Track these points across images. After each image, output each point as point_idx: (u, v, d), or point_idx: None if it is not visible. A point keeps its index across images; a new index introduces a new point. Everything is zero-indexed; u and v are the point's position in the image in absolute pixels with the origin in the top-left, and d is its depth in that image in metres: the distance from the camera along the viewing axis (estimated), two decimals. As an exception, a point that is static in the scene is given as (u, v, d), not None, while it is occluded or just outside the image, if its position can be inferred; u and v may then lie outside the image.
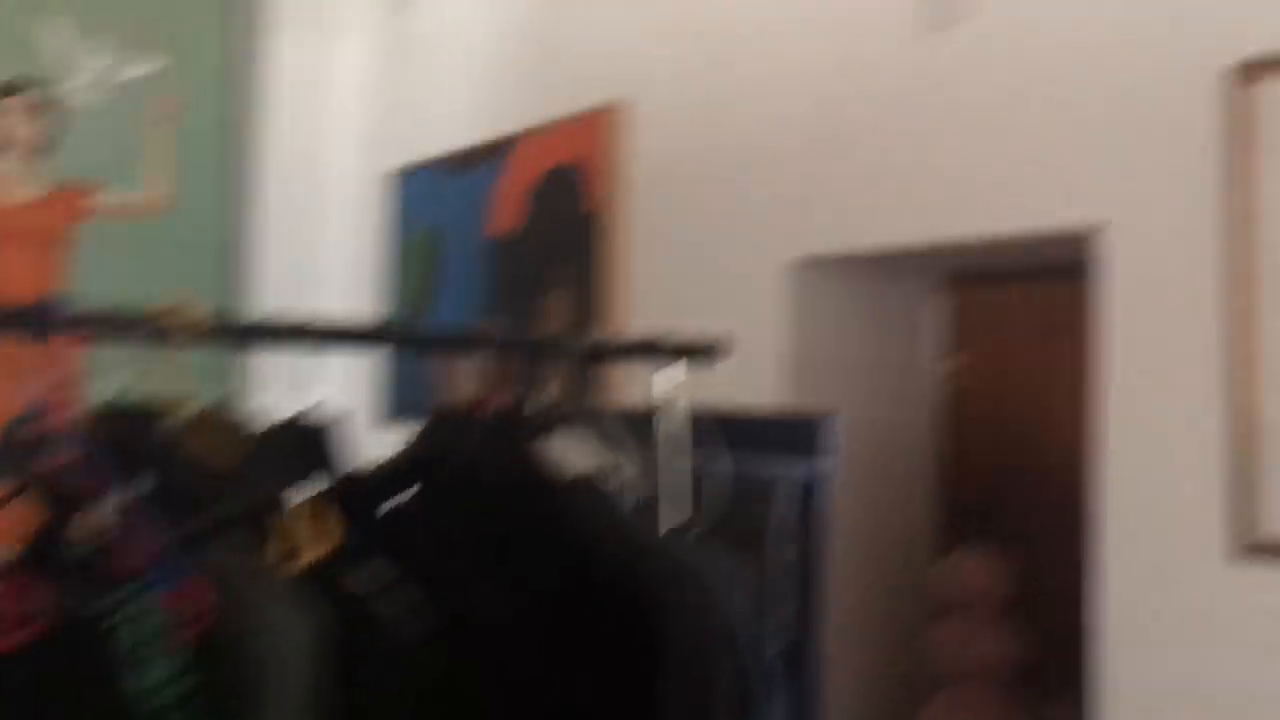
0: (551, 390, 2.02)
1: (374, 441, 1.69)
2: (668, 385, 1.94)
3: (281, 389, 3.91)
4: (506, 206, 3.82)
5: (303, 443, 1.59)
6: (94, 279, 3.88)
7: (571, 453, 1.79)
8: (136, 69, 4.31)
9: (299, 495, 1.41)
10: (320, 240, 4.63)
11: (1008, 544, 2.78)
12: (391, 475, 1.59)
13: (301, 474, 1.51)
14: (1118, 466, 2.22)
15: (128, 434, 1.43)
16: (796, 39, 2.94)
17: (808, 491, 1.96)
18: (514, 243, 3.78)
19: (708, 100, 3.17)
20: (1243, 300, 2.02)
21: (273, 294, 4.44)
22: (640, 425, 1.96)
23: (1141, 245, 2.20)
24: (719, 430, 2.03)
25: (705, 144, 3.17)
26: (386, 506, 1.59)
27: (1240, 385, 2.02)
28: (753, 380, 2.90)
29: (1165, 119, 2.17)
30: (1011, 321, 3.05)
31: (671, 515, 1.87)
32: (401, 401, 4.14)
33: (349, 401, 4.33)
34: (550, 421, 1.82)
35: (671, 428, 1.89)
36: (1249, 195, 2.03)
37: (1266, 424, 1.99)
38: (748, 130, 3.05)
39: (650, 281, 3.30)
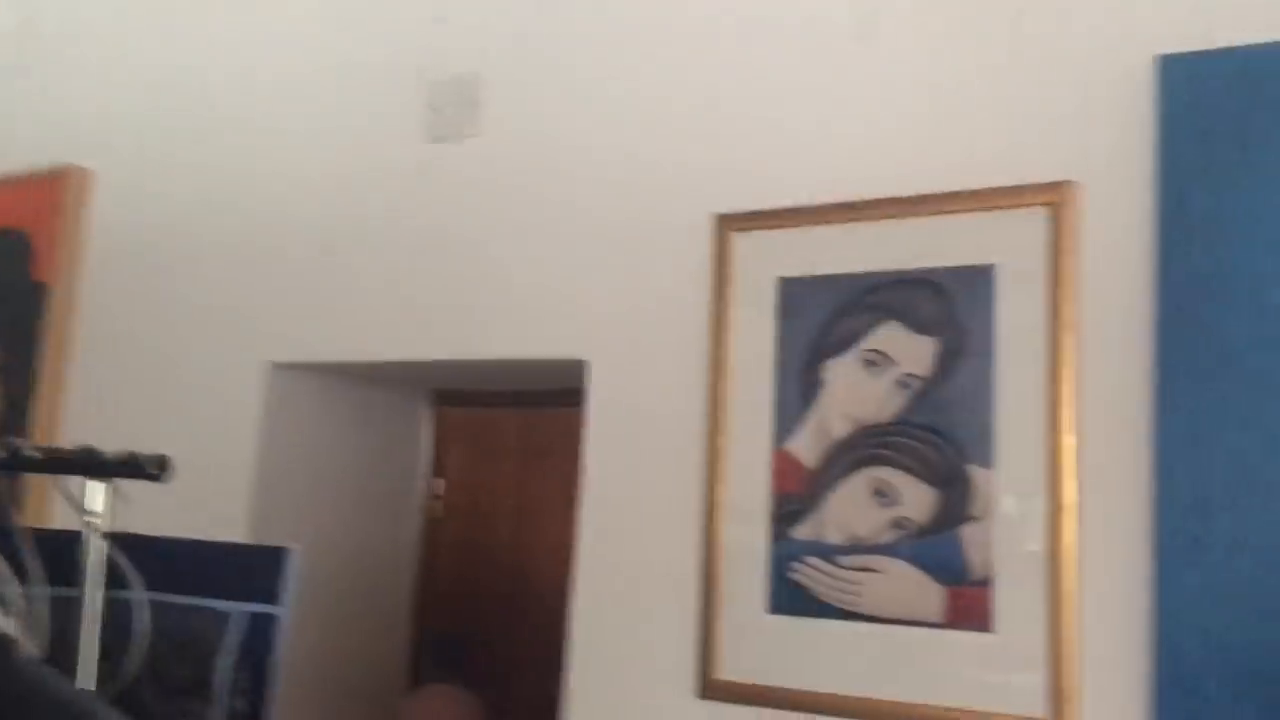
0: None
1: None
2: (96, 505, 1.62)
3: None
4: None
5: None
6: None
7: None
8: None
9: None
10: None
11: (484, 678, 2.67)
12: None
13: None
14: (595, 599, 2.19)
15: None
16: (296, 134, 2.74)
17: (259, 634, 1.71)
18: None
19: (191, 184, 2.87)
20: (717, 442, 2.08)
21: None
22: (57, 553, 1.62)
23: (629, 382, 2.21)
24: (158, 562, 1.73)
25: (183, 229, 2.85)
26: None
27: (711, 525, 2.07)
28: (216, 496, 2.59)
29: (658, 263, 2.22)
30: (499, 444, 3.00)
31: (90, 665, 1.54)
32: None
33: None
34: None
35: (96, 558, 1.57)
36: (722, 343, 2.10)
37: (725, 565, 2.04)
38: (235, 221, 2.78)
39: (103, 373, 2.89)
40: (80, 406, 2.89)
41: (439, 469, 3.05)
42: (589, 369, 2.26)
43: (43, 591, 1.41)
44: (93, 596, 1.53)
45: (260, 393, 2.69)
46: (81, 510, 1.57)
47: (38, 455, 1.59)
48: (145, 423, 2.75)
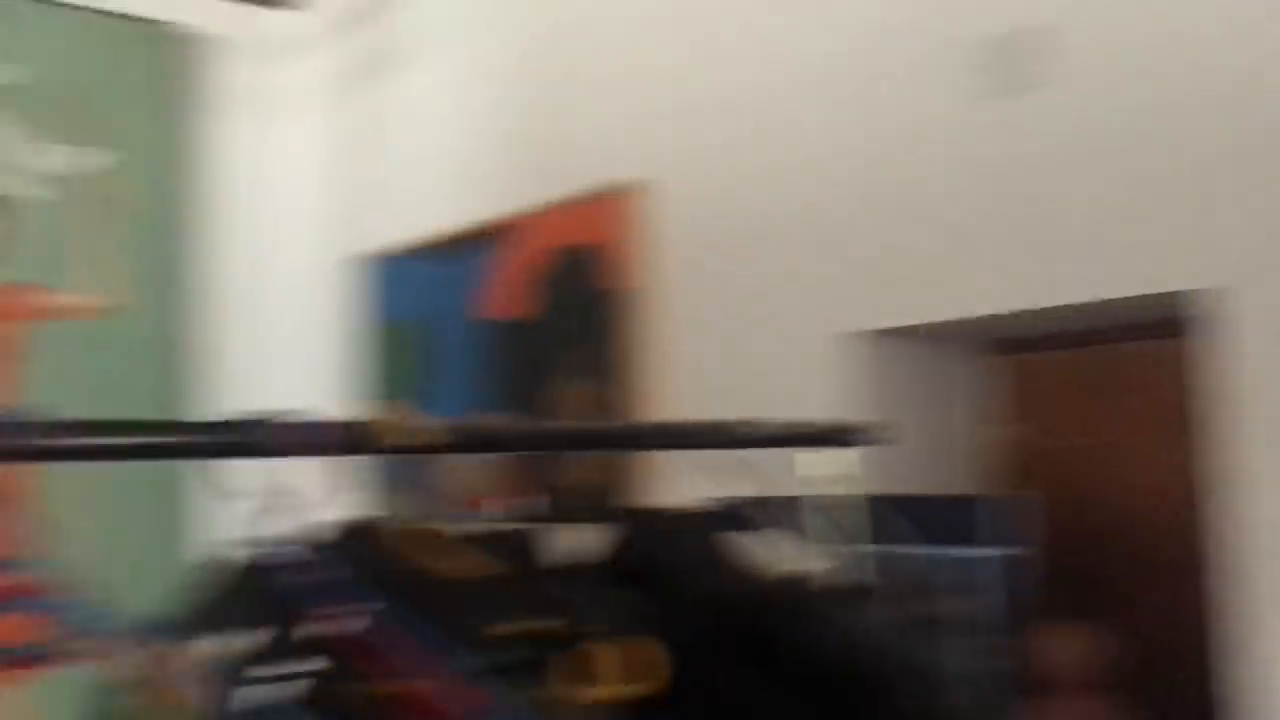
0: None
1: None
2: (840, 470, 1.81)
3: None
4: (508, 292, 3.66)
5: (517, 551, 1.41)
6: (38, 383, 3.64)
7: (779, 552, 1.64)
8: (84, 165, 4.01)
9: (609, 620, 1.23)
10: (277, 334, 4.36)
11: (1107, 618, 2.70)
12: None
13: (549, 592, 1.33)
14: (1262, 526, 2.16)
15: (349, 546, 1.26)
16: (840, 109, 2.89)
17: (1004, 576, 1.85)
18: (519, 331, 3.61)
19: (745, 174, 3.09)
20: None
21: (228, 392, 4.16)
22: (811, 514, 1.82)
23: (1268, 307, 2.18)
24: (898, 515, 1.90)
25: (744, 219, 3.08)
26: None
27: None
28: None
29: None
30: (1071, 385, 3.01)
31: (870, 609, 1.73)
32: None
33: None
34: (752, 518, 1.67)
35: (853, 515, 1.76)
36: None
37: None
38: (790, 204, 2.97)
39: (686, 365, 3.17)
40: (674, 391, 3.18)
41: (1019, 416, 3.09)
42: (1221, 296, 2.23)
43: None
44: (863, 550, 1.72)
45: (833, 363, 2.87)
46: (823, 475, 1.75)
47: (807, 428, 1.78)
48: (731, 399, 3.00)
